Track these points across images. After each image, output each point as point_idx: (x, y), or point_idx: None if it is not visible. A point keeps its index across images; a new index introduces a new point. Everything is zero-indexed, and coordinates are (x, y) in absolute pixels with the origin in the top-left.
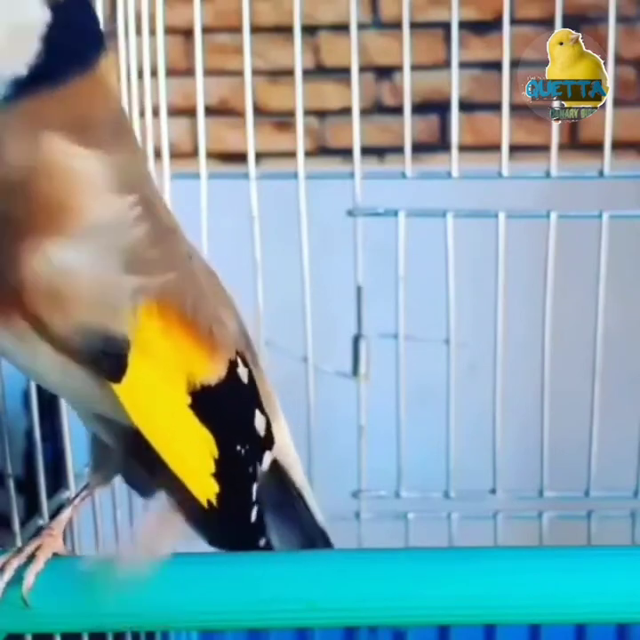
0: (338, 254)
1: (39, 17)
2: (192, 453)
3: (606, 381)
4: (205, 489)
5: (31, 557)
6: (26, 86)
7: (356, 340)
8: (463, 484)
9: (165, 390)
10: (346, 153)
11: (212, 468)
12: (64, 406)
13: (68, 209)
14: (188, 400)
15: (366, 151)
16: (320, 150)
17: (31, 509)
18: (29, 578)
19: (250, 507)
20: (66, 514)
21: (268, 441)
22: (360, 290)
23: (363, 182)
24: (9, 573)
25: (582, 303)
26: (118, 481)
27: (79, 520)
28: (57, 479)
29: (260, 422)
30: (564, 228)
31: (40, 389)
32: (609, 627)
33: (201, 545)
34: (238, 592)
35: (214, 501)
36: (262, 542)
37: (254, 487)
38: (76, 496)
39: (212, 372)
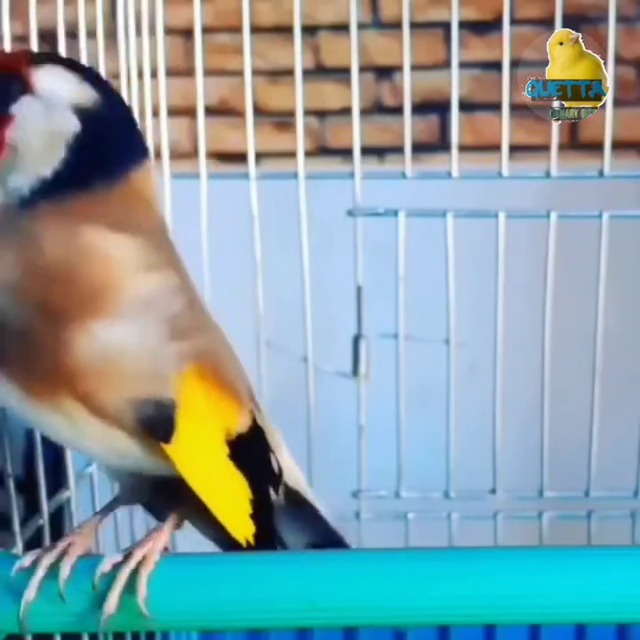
0: (338, 254)
1: (68, 127)
2: (232, 499)
3: (606, 381)
4: (244, 530)
5: (62, 553)
6: (52, 188)
7: (356, 340)
8: (463, 483)
9: (208, 444)
10: (346, 153)
11: (249, 509)
12: None
13: (110, 290)
14: (227, 450)
15: (366, 151)
16: (320, 150)
17: (31, 509)
18: (65, 569)
19: (274, 536)
20: (96, 517)
21: (280, 474)
22: (360, 290)
23: (363, 182)
24: (43, 570)
25: (582, 303)
26: None
27: (79, 520)
28: (57, 479)
29: (273, 459)
30: (563, 228)
31: None
32: (609, 627)
33: (201, 545)
34: (238, 592)
35: (251, 540)
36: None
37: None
38: (109, 506)
39: (243, 422)
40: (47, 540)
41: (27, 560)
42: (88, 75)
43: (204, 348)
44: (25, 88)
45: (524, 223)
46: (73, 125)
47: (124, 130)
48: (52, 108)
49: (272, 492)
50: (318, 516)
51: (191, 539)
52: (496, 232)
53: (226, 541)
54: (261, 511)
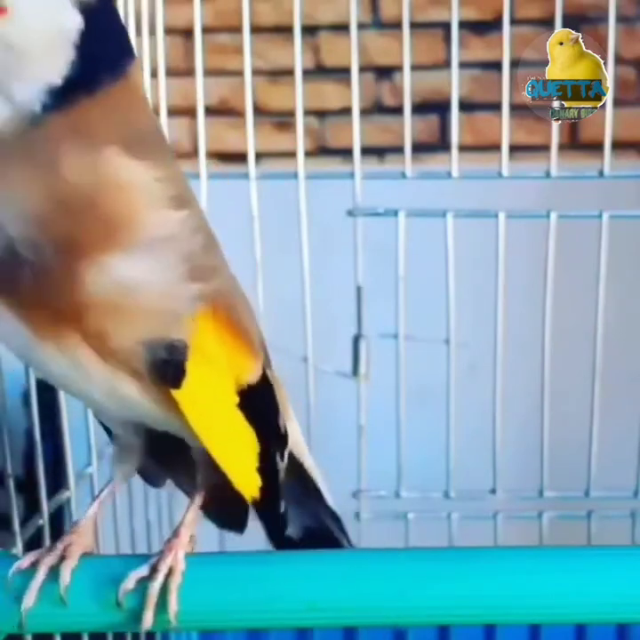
0: (338, 254)
1: (72, 23)
2: (240, 450)
3: (606, 381)
4: (250, 484)
5: (62, 556)
6: (62, 96)
7: (356, 340)
8: (463, 483)
9: (218, 391)
10: (346, 153)
11: (256, 462)
12: (64, 406)
13: (130, 223)
14: (237, 399)
15: (366, 151)
16: (320, 150)
17: (31, 509)
18: (65, 574)
19: (280, 499)
20: (92, 510)
21: (286, 437)
22: (360, 290)
23: (363, 182)
24: (43, 572)
25: (582, 303)
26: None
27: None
28: (57, 479)
29: (281, 420)
30: (563, 228)
31: (40, 389)
32: (609, 627)
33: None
34: (238, 592)
35: (257, 496)
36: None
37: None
38: (100, 492)
39: (255, 372)
40: (47, 540)
41: (25, 561)
42: None
43: (220, 291)
44: None
45: (524, 223)
46: (76, 21)
47: (118, 23)
48: (53, 2)
49: (281, 454)
50: (319, 499)
51: None
52: (496, 232)
53: (224, 517)
54: (268, 466)
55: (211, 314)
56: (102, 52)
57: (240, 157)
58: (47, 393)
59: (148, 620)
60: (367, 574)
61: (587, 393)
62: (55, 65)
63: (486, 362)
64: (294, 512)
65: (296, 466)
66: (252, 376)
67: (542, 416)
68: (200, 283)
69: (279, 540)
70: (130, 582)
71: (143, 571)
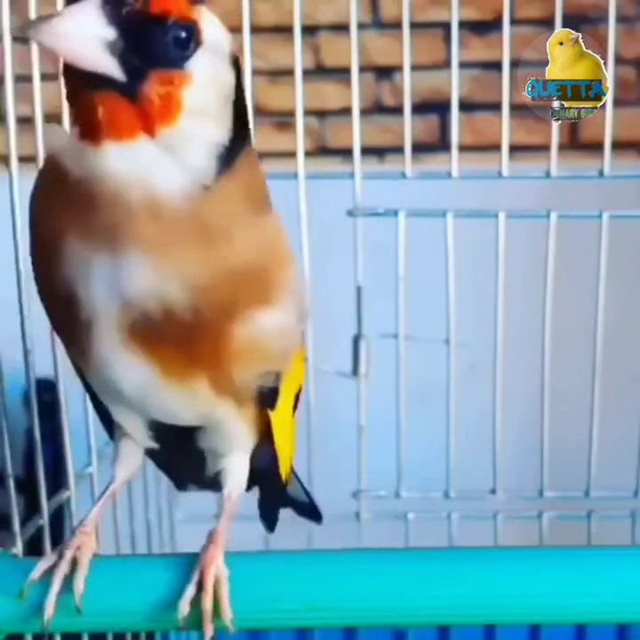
0: (338, 254)
1: (231, 80)
2: (291, 443)
3: (606, 381)
4: (288, 470)
5: (73, 561)
6: (227, 159)
7: (356, 340)
8: (463, 483)
9: (289, 401)
10: (346, 153)
11: (294, 450)
12: (64, 406)
13: (278, 282)
14: (293, 402)
15: (366, 151)
16: (320, 150)
17: (31, 509)
18: (80, 585)
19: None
20: (96, 510)
21: None
22: (360, 290)
23: (363, 182)
24: (58, 584)
25: (582, 303)
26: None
27: (79, 520)
28: (57, 479)
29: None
30: (563, 228)
31: (40, 389)
32: (609, 627)
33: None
34: (238, 592)
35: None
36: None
37: None
38: (104, 491)
39: (305, 376)
40: (47, 540)
41: (36, 572)
42: None
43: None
44: (197, 38)
45: (524, 223)
46: (232, 78)
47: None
48: (218, 59)
49: None
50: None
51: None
52: (496, 232)
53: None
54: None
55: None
56: (245, 108)
57: None
58: (47, 393)
59: (208, 632)
60: (367, 574)
61: (587, 393)
62: (225, 125)
63: (486, 362)
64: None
65: None
66: (304, 380)
67: (542, 416)
68: (304, 321)
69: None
70: (185, 606)
71: (192, 589)
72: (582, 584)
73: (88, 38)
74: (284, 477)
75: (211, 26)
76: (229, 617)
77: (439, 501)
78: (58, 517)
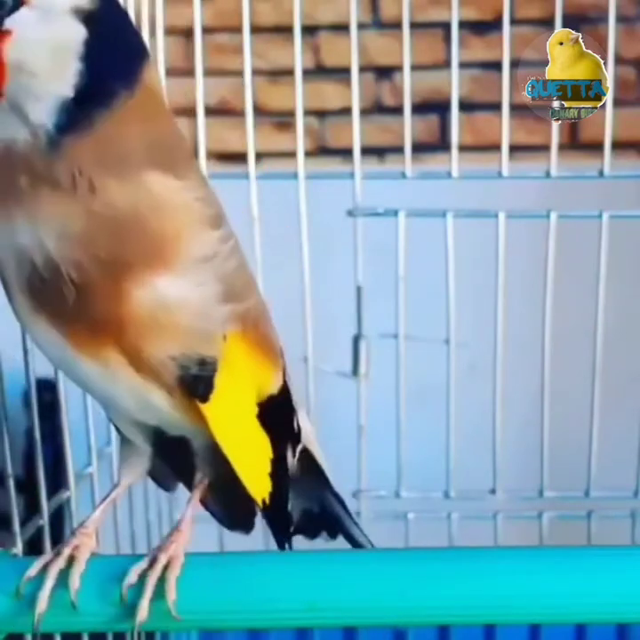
0: (338, 254)
1: (74, 35)
2: (255, 458)
3: (606, 381)
4: (262, 489)
5: (70, 559)
6: (79, 113)
7: (356, 340)
8: (463, 483)
9: (240, 404)
10: (346, 153)
11: (268, 468)
12: (64, 406)
13: (175, 244)
14: (256, 410)
15: (366, 151)
16: (320, 150)
17: (31, 509)
18: (75, 580)
19: (288, 501)
20: (98, 511)
21: (299, 434)
22: (360, 290)
23: (363, 182)
24: (52, 579)
25: (582, 303)
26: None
27: (79, 520)
28: (57, 479)
29: (295, 420)
30: (563, 228)
31: (40, 389)
32: (609, 627)
33: (200, 545)
34: (238, 592)
35: (267, 499)
36: (291, 529)
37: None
38: (108, 494)
39: (276, 383)
40: (47, 540)
41: (33, 570)
42: None
43: (250, 309)
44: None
45: (524, 223)
46: (78, 32)
47: (126, 27)
48: (52, 17)
49: (290, 452)
50: (325, 482)
51: None
52: (496, 232)
53: (232, 518)
54: (279, 471)
55: (241, 331)
56: (112, 61)
57: (240, 157)
58: (47, 393)
59: (143, 610)
60: (367, 574)
61: (587, 393)
62: (63, 79)
63: (486, 362)
64: (297, 497)
65: (302, 452)
66: (273, 387)
67: (542, 416)
68: (233, 303)
69: (283, 536)
70: (132, 577)
71: (143, 564)
72: (582, 584)
73: None
74: (254, 496)
75: None
76: (172, 598)
77: (439, 501)
78: (58, 517)
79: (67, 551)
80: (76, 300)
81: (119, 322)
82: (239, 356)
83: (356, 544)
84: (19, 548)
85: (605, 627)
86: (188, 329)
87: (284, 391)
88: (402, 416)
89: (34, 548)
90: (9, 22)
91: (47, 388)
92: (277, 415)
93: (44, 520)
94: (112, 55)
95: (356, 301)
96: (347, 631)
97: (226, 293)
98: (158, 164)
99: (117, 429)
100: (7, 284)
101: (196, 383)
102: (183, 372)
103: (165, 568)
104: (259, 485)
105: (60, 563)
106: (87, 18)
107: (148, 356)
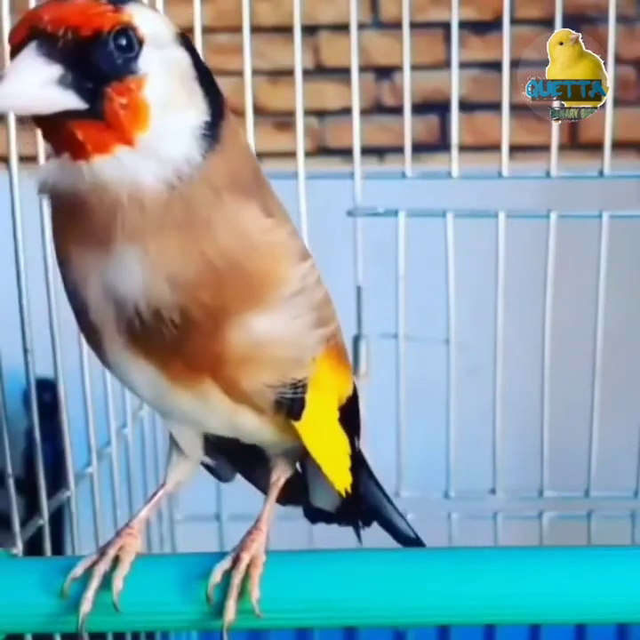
0: (338, 254)
1: (186, 60)
2: (338, 457)
3: (606, 382)
4: (345, 482)
5: (115, 560)
6: (213, 135)
7: (356, 340)
8: (463, 483)
9: (327, 414)
10: (346, 153)
11: (348, 463)
12: (64, 406)
13: (273, 283)
14: (338, 415)
15: (366, 151)
16: (320, 150)
17: (31, 509)
18: (118, 582)
19: (360, 484)
20: (144, 512)
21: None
22: (360, 290)
23: (363, 182)
24: (97, 580)
25: (582, 303)
26: (118, 482)
27: (79, 520)
28: (57, 479)
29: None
30: (563, 228)
31: (40, 389)
32: (609, 627)
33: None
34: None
35: (349, 490)
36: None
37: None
38: (153, 496)
39: (350, 389)
40: (47, 540)
41: (79, 569)
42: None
43: (335, 330)
44: (137, 37)
45: (524, 223)
46: (185, 57)
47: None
48: (165, 48)
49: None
50: (367, 468)
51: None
52: (496, 232)
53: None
54: (356, 464)
55: (327, 351)
56: (210, 79)
57: None
58: (47, 393)
59: (231, 610)
60: (367, 574)
61: (587, 393)
62: (197, 105)
63: (486, 362)
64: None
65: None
66: (349, 389)
67: (542, 416)
68: (323, 328)
69: (357, 520)
70: (217, 576)
71: (226, 563)
72: (582, 584)
73: (37, 86)
74: (338, 489)
75: (144, 19)
76: (256, 596)
77: (439, 501)
78: (58, 517)
79: (112, 552)
80: (174, 338)
81: (217, 358)
82: (325, 371)
83: (393, 530)
84: (19, 548)
85: (605, 627)
86: (284, 359)
87: (355, 388)
88: (402, 416)
89: (34, 548)
90: (141, 65)
91: (47, 388)
92: (353, 413)
93: (44, 520)
94: (207, 73)
95: (356, 301)
96: (347, 631)
97: (317, 320)
98: (254, 196)
99: (170, 436)
100: (93, 325)
101: (291, 405)
102: (278, 396)
103: (248, 567)
104: (343, 480)
105: (105, 565)
106: (184, 41)
107: (244, 386)
